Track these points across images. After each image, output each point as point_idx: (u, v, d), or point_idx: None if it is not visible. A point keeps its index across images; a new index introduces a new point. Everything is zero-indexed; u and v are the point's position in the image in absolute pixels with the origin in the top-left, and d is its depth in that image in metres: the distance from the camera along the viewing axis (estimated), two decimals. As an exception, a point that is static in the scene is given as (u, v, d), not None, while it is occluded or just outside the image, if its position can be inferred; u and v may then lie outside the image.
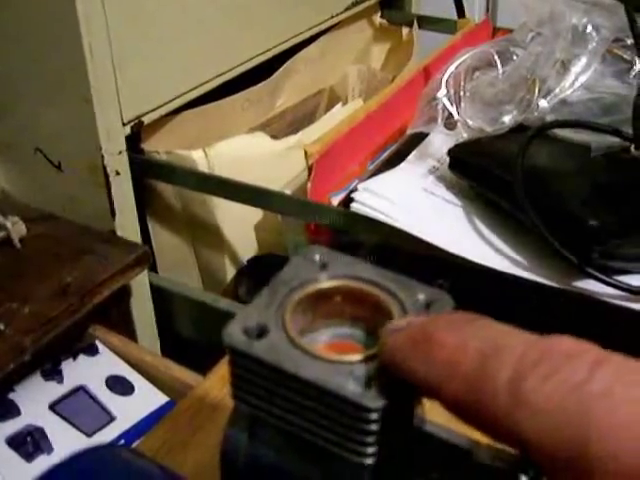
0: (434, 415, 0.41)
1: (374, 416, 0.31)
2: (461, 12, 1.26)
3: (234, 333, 0.34)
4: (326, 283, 0.37)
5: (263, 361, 0.33)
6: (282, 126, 1.08)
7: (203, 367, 0.69)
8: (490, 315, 0.69)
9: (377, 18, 1.30)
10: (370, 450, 0.33)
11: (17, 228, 0.79)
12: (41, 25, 0.75)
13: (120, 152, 0.80)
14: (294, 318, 0.35)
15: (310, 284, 0.37)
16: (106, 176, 0.79)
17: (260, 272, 0.94)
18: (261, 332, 0.34)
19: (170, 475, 0.38)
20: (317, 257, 0.38)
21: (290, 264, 0.38)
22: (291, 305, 0.35)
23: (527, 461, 0.37)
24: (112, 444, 0.40)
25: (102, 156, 0.78)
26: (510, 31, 0.91)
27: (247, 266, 0.96)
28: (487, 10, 1.57)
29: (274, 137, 0.96)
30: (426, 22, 1.29)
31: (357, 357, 0.33)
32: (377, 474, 0.34)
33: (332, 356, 0.33)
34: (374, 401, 0.31)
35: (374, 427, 0.32)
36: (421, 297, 0.36)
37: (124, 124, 0.79)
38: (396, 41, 1.30)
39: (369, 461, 0.33)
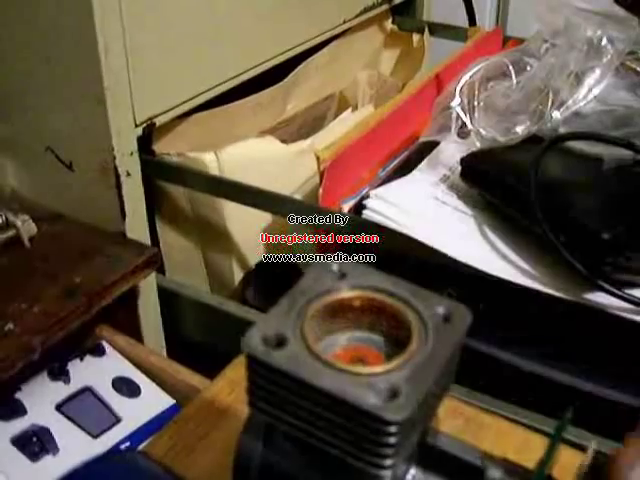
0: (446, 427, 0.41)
1: (394, 429, 0.31)
2: (472, 20, 1.26)
3: (253, 342, 0.34)
4: (346, 293, 0.37)
5: (282, 371, 0.33)
6: (292, 130, 1.08)
7: (209, 370, 0.69)
8: (498, 325, 0.69)
9: (388, 24, 1.30)
10: (388, 462, 0.33)
11: (27, 227, 0.79)
12: (56, 25, 0.74)
13: (132, 153, 0.80)
14: (313, 328, 0.35)
15: (330, 294, 0.37)
16: (117, 177, 0.79)
17: (268, 276, 0.93)
18: (280, 342, 0.34)
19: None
20: (335, 267, 0.38)
21: (308, 274, 0.38)
22: (310, 315, 0.35)
23: (538, 477, 0.37)
24: (131, 451, 0.39)
25: (113, 157, 0.78)
26: (521, 40, 0.92)
27: (255, 270, 0.96)
28: (497, 18, 1.57)
29: (284, 141, 0.96)
30: (437, 29, 1.29)
31: (379, 369, 0.33)
32: None
33: (352, 368, 0.33)
34: (395, 414, 0.31)
35: (393, 440, 0.32)
36: (440, 310, 0.36)
37: (136, 125, 0.79)
38: (407, 47, 1.30)
39: (387, 473, 0.33)
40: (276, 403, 0.34)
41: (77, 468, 0.33)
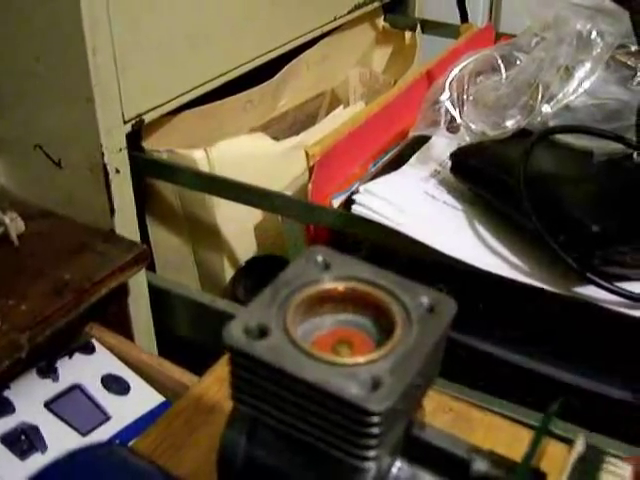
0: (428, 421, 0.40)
1: (376, 419, 0.31)
2: (464, 17, 1.25)
3: (235, 332, 0.33)
4: (329, 284, 0.36)
5: (264, 361, 0.32)
6: (283, 127, 1.08)
7: (200, 367, 0.69)
8: (490, 319, 0.69)
9: (380, 22, 1.30)
10: (372, 454, 0.32)
11: (15, 224, 0.79)
12: (45, 24, 0.74)
13: (120, 149, 0.79)
14: (296, 318, 0.35)
15: (313, 285, 0.36)
16: (106, 174, 0.79)
17: (258, 273, 0.93)
18: (262, 332, 0.34)
19: (167, 475, 0.38)
20: (320, 258, 0.38)
21: (292, 265, 0.38)
22: (294, 305, 0.35)
23: (524, 469, 0.37)
24: (109, 442, 0.39)
25: (102, 153, 0.77)
26: (513, 36, 0.91)
27: (245, 267, 0.96)
28: (490, 15, 1.57)
29: (275, 138, 0.96)
30: (429, 26, 1.29)
31: (362, 359, 0.32)
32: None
33: (335, 358, 0.33)
34: (377, 404, 0.31)
35: (376, 431, 0.31)
36: (424, 300, 0.36)
37: (125, 122, 0.79)
38: (399, 45, 1.30)
39: (371, 465, 0.33)
40: (259, 395, 0.34)
41: (59, 459, 0.32)
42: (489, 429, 0.59)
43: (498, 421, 0.60)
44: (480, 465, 0.37)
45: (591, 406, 0.65)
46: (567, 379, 0.66)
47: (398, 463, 0.37)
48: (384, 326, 0.35)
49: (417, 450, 0.38)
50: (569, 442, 0.49)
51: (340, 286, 0.37)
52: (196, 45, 0.86)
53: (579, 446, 0.39)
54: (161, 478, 0.37)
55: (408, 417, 0.37)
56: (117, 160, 0.79)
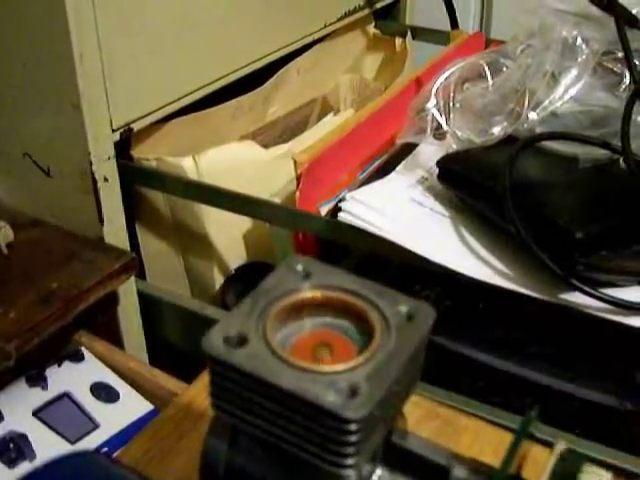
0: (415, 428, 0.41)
1: (354, 427, 0.31)
2: (454, 24, 1.26)
3: (214, 341, 0.34)
4: (308, 293, 0.37)
5: (242, 370, 0.33)
6: (273, 135, 1.08)
7: (190, 375, 0.69)
8: (475, 326, 0.70)
9: (371, 28, 1.30)
10: (350, 461, 0.32)
11: (4, 233, 0.79)
12: (32, 31, 0.74)
13: (109, 158, 0.79)
14: (275, 326, 0.35)
15: (292, 294, 0.36)
16: (94, 182, 0.79)
17: (248, 280, 0.93)
18: (241, 341, 0.34)
19: (149, 484, 0.38)
20: (300, 267, 0.38)
21: (273, 274, 0.38)
22: (273, 314, 0.35)
23: (504, 476, 0.37)
24: (91, 451, 0.39)
25: (90, 162, 0.78)
26: (503, 43, 0.92)
27: (235, 274, 0.96)
28: (481, 23, 1.57)
29: (265, 146, 0.96)
30: (420, 33, 1.29)
31: (340, 367, 0.33)
32: None
33: (314, 366, 0.33)
34: (354, 412, 0.31)
35: (354, 438, 0.32)
36: (403, 309, 0.36)
37: (113, 130, 0.79)
38: (389, 52, 1.30)
39: (350, 473, 0.33)
40: (238, 404, 0.34)
41: (38, 467, 0.33)
42: (476, 435, 0.59)
43: (485, 427, 0.60)
44: (459, 472, 0.37)
45: (576, 411, 0.65)
46: (553, 384, 0.66)
47: (379, 471, 0.38)
48: (365, 330, 0.35)
49: (398, 458, 0.38)
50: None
51: (319, 294, 0.37)
52: (185, 53, 0.86)
53: (558, 449, 0.39)
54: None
55: (388, 424, 0.37)
56: (105, 168, 0.80)
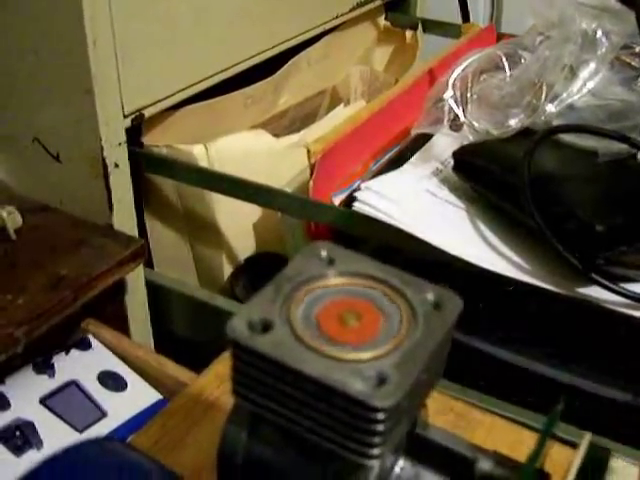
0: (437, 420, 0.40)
1: (382, 416, 0.30)
2: (466, 17, 1.25)
3: (238, 327, 0.33)
4: (334, 280, 0.36)
5: (266, 356, 0.32)
6: (283, 125, 1.08)
7: (197, 365, 0.68)
8: (492, 319, 0.68)
9: (382, 20, 1.29)
10: (376, 452, 0.32)
11: (13, 219, 0.78)
12: (44, 16, 0.73)
13: (120, 144, 0.79)
14: (300, 313, 0.34)
15: (317, 280, 0.36)
16: (105, 168, 0.78)
17: (257, 271, 0.93)
18: (265, 327, 0.33)
19: (163, 469, 0.37)
20: (324, 253, 0.37)
21: (296, 259, 0.37)
22: (297, 300, 0.34)
23: (529, 468, 0.36)
24: (109, 437, 0.38)
25: (101, 147, 0.77)
26: (515, 37, 0.91)
27: (244, 264, 0.95)
28: (492, 16, 1.56)
29: (275, 135, 0.95)
30: (430, 26, 1.28)
31: (367, 355, 0.32)
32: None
33: (340, 354, 0.32)
34: (383, 401, 0.30)
35: (381, 428, 0.31)
36: (430, 297, 0.35)
37: (125, 116, 0.78)
38: (400, 44, 1.30)
39: (374, 463, 0.32)
40: (261, 391, 0.33)
41: (53, 455, 0.32)
42: (490, 430, 0.59)
43: (499, 422, 0.60)
44: (484, 464, 0.36)
45: (592, 408, 0.64)
46: (569, 380, 0.65)
47: (401, 462, 0.37)
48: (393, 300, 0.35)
49: (420, 449, 0.37)
50: (571, 444, 0.48)
51: (345, 281, 0.36)
52: (197, 40, 0.85)
53: (585, 446, 0.38)
54: (159, 472, 0.36)
55: (412, 415, 0.36)
56: (116, 154, 0.79)
